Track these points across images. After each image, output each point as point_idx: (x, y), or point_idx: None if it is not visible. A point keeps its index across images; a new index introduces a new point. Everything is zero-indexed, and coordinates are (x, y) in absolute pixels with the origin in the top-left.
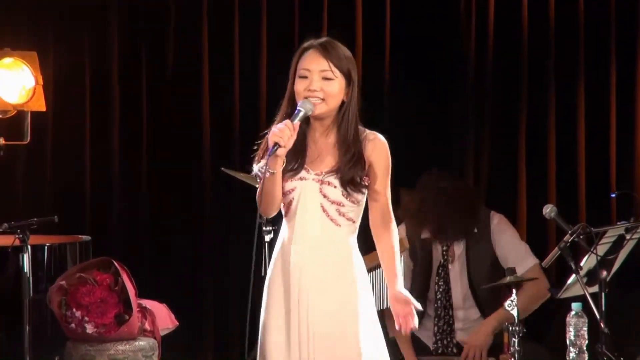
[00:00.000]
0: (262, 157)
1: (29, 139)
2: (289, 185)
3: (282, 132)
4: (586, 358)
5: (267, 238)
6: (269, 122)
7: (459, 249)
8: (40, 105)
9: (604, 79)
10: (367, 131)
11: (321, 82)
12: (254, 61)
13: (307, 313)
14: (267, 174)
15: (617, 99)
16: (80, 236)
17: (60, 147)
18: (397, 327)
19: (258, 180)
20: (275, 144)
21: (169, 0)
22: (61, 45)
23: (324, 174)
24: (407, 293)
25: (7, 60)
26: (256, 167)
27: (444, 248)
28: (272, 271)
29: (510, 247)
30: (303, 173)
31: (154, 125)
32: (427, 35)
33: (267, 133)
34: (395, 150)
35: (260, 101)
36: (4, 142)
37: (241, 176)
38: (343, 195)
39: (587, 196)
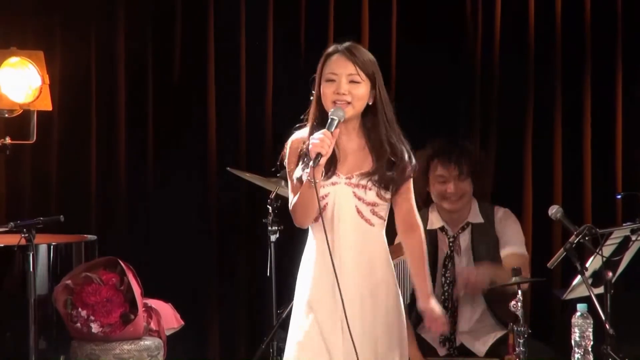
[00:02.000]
0: (295, 164)
1: (35, 138)
2: (323, 191)
3: (324, 142)
4: (591, 359)
5: (273, 238)
6: (275, 122)
7: (465, 240)
8: (47, 105)
9: (611, 79)
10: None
11: (349, 85)
12: (261, 59)
13: (354, 316)
14: (311, 184)
15: (623, 99)
16: (86, 235)
17: (66, 147)
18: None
19: (286, 189)
20: (318, 154)
21: (176, 0)
22: (67, 45)
23: (355, 176)
24: (439, 308)
25: (14, 59)
26: (299, 173)
27: (450, 239)
28: (313, 274)
29: (508, 230)
30: (334, 178)
31: (160, 124)
32: (433, 34)
33: (289, 137)
34: None
35: (266, 101)
36: (10, 141)
37: (247, 176)
38: (378, 196)
39: (593, 197)
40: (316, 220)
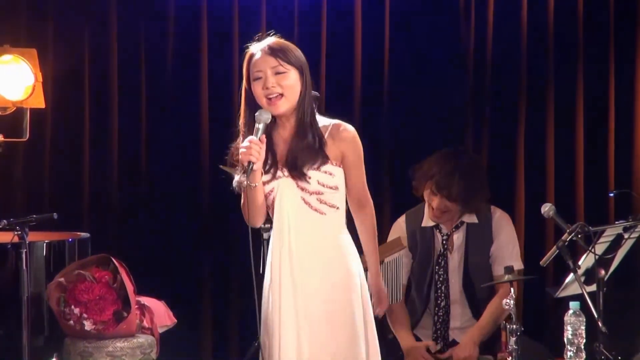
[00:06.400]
0: (235, 163)
1: (28, 135)
2: (267, 187)
3: (252, 150)
4: (584, 357)
5: (266, 236)
6: None
7: (458, 239)
8: (40, 102)
9: (603, 77)
10: (334, 121)
11: (275, 77)
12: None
13: (303, 300)
14: (250, 188)
15: (616, 97)
16: (79, 233)
17: (59, 144)
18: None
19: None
20: (249, 162)
21: None
22: (60, 42)
23: None
24: (384, 289)
25: (7, 57)
26: (235, 183)
27: (444, 238)
28: (269, 267)
29: (504, 245)
30: (278, 173)
31: (153, 122)
32: (426, 33)
33: (236, 133)
34: (394, 149)
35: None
36: (3, 138)
37: None
38: (320, 184)
39: (586, 195)
40: (273, 214)
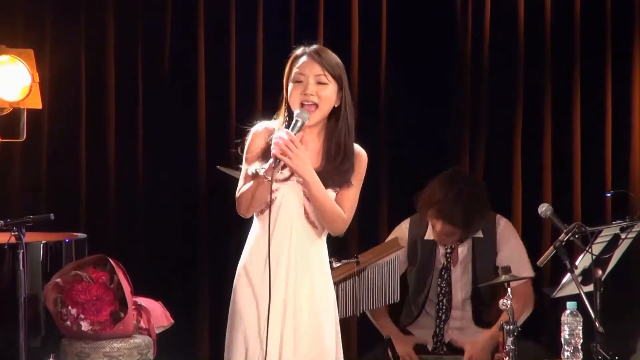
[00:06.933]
0: (255, 154)
1: (25, 136)
2: (274, 185)
3: (289, 151)
4: (581, 357)
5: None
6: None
7: (462, 252)
8: (37, 103)
9: (600, 77)
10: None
11: (316, 86)
12: (250, 56)
13: (286, 312)
14: (265, 180)
15: (612, 97)
16: (75, 234)
17: (56, 145)
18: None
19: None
20: (277, 159)
21: None
22: (57, 43)
23: None
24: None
25: (4, 57)
26: (254, 168)
27: (448, 251)
28: (246, 262)
29: (511, 257)
30: (287, 173)
31: (150, 122)
32: (423, 33)
33: (252, 125)
34: (390, 149)
35: (257, 98)
36: (0, 139)
37: (236, 174)
38: None
39: (583, 195)
40: (262, 212)
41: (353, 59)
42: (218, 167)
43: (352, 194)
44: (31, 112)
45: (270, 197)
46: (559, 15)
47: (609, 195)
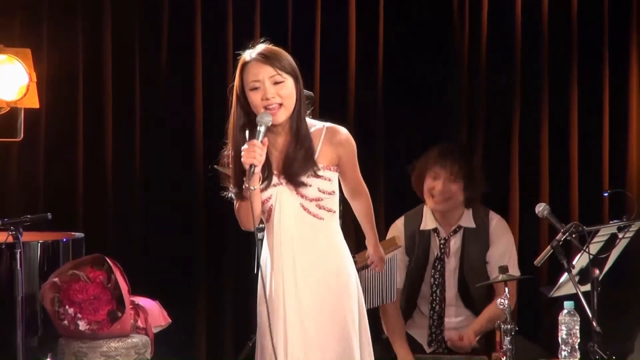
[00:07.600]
0: (230, 169)
1: (22, 135)
2: (265, 194)
3: (254, 153)
4: (578, 356)
5: (260, 236)
6: None
7: (455, 244)
8: (34, 102)
9: (597, 77)
10: (326, 125)
11: (274, 87)
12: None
13: (299, 306)
14: (249, 192)
15: (610, 97)
16: (73, 233)
17: (53, 144)
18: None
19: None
20: (251, 165)
21: None
22: (54, 42)
23: None
24: (384, 255)
25: (1, 57)
26: (233, 190)
27: (442, 241)
28: (269, 270)
29: (502, 253)
30: (274, 180)
31: (147, 122)
32: (420, 34)
33: (226, 143)
34: (386, 150)
35: None
36: None
37: None
38: (320, 191)
39: (580, 195)
40: (267, 220)
41: (350, 57)
42: (215, 166)
43: (356, 173)
44: (28, 112)
45: (267, 204)
46: (556, 14)
47: (606, 194)
